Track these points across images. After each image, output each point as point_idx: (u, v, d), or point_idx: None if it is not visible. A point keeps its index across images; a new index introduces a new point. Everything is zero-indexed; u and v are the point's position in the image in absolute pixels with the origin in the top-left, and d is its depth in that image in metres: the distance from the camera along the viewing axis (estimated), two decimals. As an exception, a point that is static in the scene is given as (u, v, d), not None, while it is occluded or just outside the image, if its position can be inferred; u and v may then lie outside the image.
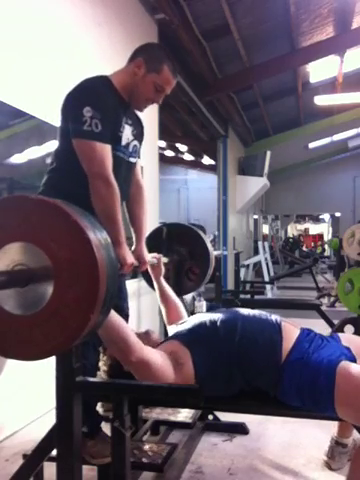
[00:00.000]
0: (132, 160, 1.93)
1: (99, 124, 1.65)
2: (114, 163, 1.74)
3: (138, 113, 1.97)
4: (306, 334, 1.63)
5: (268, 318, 1.65)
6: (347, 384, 1.42)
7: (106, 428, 1.71)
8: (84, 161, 1.67)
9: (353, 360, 1.54)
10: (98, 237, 1.11)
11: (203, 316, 1.72)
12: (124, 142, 1.82)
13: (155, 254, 2.07)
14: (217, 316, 1.65)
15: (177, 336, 1.65)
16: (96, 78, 1.80)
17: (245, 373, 1.54)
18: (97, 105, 1.67)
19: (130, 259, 1.73)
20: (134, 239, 2.00)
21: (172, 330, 1.84)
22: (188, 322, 1.74)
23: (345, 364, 1.46)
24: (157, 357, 1.51)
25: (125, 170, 1.89)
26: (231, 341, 1.56)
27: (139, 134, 1.96)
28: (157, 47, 1.93)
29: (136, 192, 2.01)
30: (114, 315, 1.47)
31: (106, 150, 1.68)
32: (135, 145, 1.92)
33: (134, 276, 3.35)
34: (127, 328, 1.50)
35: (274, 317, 1.66)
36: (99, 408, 2.07)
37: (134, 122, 1.90)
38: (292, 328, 1.63)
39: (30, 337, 1.11)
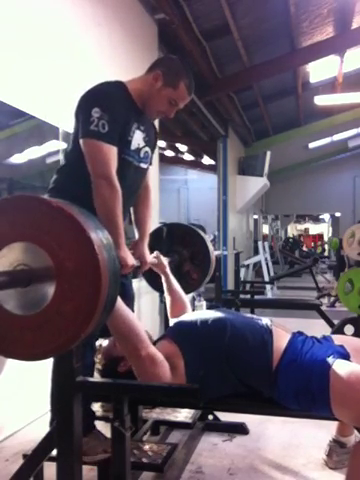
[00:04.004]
0: (143, 166, 1.92)
1: (106, 125, 1.65)
2: (122, 166, 1.74)
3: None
4: (297, 337, 1.64)
5: (259, 321, 1.66)
6: (341, 384, 1.41)
7: (106, 428, 1.71)
8: (88, 160, 1.68)
9: (347, 357, 1.54)
10: (101, 238, 1.11)
11: (196, 315, 1.74)
12: (134, 147, 1.82)
13: (154, 253, 2.08)
14: (208, 316, 1.67)
15: (170, 336, 1.66)
16: (111, 82, 1.81)
17: (237, 372, 1.55)
18: (106, 107, 1.67)
19: (130, 260, 1.74)
20: (137, 238, 2.00)
21: (173, 323, 1.86)
22: (182, 320, 1.76)
23: (338, 363, 1.46)
24: (161, 356, 1.53)
25: (134, 175, 1.89)
26: (221, 340, 1.57)
27: (152, 141, 1.96)
28: (177, 61, 1.88)
29: (143, 194, 2.02)
30: (125, 308, 1.49)
31: (111, 151, 1.68)
32: (147, 151, 1.92)
33: (134, 276, 3.36)
34: (138, 322, 1.52)
35: (265, 321, 1.67)
36: (99, 408, 2.07)
37: (147, 129, 1.90)
38: (283, 333, 1.64)
39: (23, 338, 1.12)
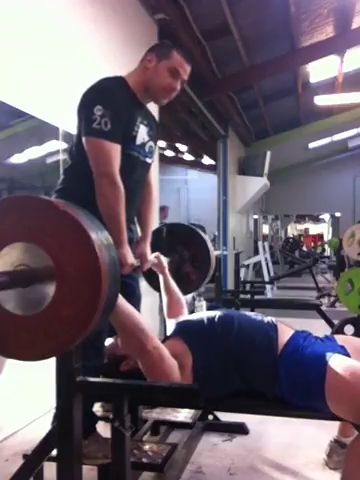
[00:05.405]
0: (148, 160, 1.92)
1: (109, 123, 1.65)
2: (129, 162, 1.74)
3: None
4: (300, 333, 1.65)
5: (264, 318, 1.67)
6: (337, 378, 1.41)
7: (106, 428, 1.71)
8: (91, 159, 1.68)
9: (347, 357, 1.54)
10: (102, 240, 1.10)
11: (203, 314, 1.74)
12: (139, 142, 1.82)
13: (154, 254, 2.08)
14: (214, 315, 1.67)
15: (178, 335, 1.65)
16: (111, 78, 1.81)
17: (242, 372, 1.54)
18: (108, 103, 1.66)
19: (130, 259, 1.73)
20: (139, 237, 2.00)
21: (171, 324, 1.86)
22: (189, 319, 1.76)
23: (336, 357, 1.46)
24: (168, 352, 1.52)
25: (140, 170, 1.88)
26: (227, 340, 1.57)
27: (154, 135, 1.96)
28: (165, 42, 1.95)
29: (145, 192, 2.01)
30: (126, 304, 1.48)
31: (114, 149, 1.68)
32: (151, 146, 1.91)
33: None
34: (142, 318, 1.52)
35: (270, 318, 1.68)
36: (99, 408, 2.07)
37: (150, 123, 1.90)
38: (287, 328, 1.65)
39: (21, 338, 1.12)
